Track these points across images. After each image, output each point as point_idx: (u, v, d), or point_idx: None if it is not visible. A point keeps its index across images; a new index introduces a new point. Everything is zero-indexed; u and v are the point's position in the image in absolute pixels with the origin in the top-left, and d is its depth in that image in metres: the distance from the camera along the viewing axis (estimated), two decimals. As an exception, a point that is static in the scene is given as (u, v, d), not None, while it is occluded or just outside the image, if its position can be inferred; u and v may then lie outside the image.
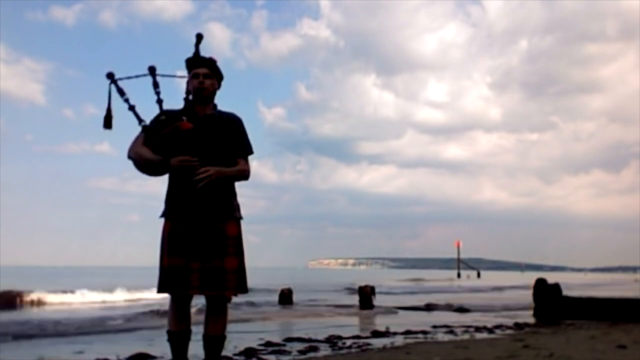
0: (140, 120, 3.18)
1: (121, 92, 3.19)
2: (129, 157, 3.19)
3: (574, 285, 21.77)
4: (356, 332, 7.45)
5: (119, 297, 16.69)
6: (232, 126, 3.25)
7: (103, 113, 3.25)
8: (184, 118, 3.12)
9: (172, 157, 3.08)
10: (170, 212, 3.16)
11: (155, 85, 3.21)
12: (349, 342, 6.27)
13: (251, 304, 12.77)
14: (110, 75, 3.21)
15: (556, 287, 11.57)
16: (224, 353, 3.58)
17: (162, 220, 3.19)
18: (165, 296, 3.16)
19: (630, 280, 50.64)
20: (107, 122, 3.27)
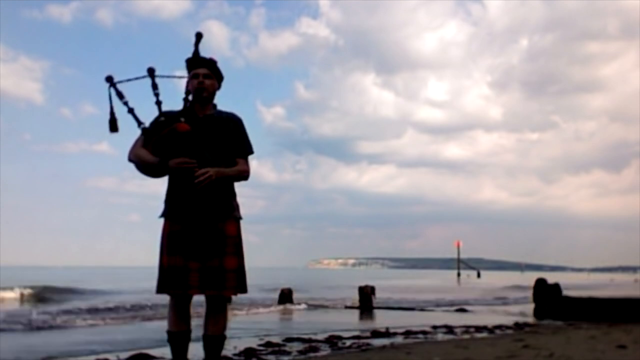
0: (139, 123, 3.18)
1: (120, 95, 3.18)
2: (130, 159, 3.20)
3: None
4: (356, 332, 7.44)
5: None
6: (232, 126, 3.24)
7: (101, 113, 3.28)
8: (182, 119, 3.11)
9: (171, 159, 3.08)
10: (170, 212, 3.16)
11: (154, 87, 3.20)
12: (349, 342, 6.26)
13: (251, 304, 12.77)
14: (109, 79, 3.20)
15: (556, 287, 11.59)
16: (223, 353, 3.58)
17: (162, 220, 3.19)
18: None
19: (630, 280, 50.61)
20: (113, 126, 3.27)
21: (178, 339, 3.16)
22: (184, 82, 3.27)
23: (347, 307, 13.46)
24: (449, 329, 7.98)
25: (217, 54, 3.28)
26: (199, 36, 3.26)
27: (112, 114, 3.24)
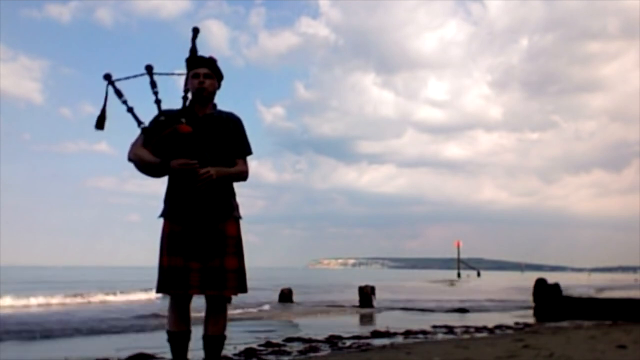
0: (139, 122, 3.15)
1: (119, 94, 3.15)
2: (129, 159, 3.18)
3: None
4: (356, 332, 7.44)
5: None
6: (232, 126, 3.23)
7: (99, 113, 3.23)
8: (183, 120, 3.09)
9: (172, 159, 3.06)
10: (170, 212, 3.15)
11: (153, 84, 3.17)
12: (349, 342, 6.27)
13: (251, 304, 12.76)
14: (107, 77, 3.18)
15: (556, 287, 11.60)
16: (223, 353, 3.58)
17: (162, 220, 3.18)
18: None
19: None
20: (100, 123, 3.22)
21: (178, 339, 3.15)
22: (183, 79, 3.25)
23: (353, 307, 13.45)
24: (449, 329, 7.98)
25: (217, 53, 3.27)
26: (195, 31, 3.23)
27: (103, 111, 3.20)
